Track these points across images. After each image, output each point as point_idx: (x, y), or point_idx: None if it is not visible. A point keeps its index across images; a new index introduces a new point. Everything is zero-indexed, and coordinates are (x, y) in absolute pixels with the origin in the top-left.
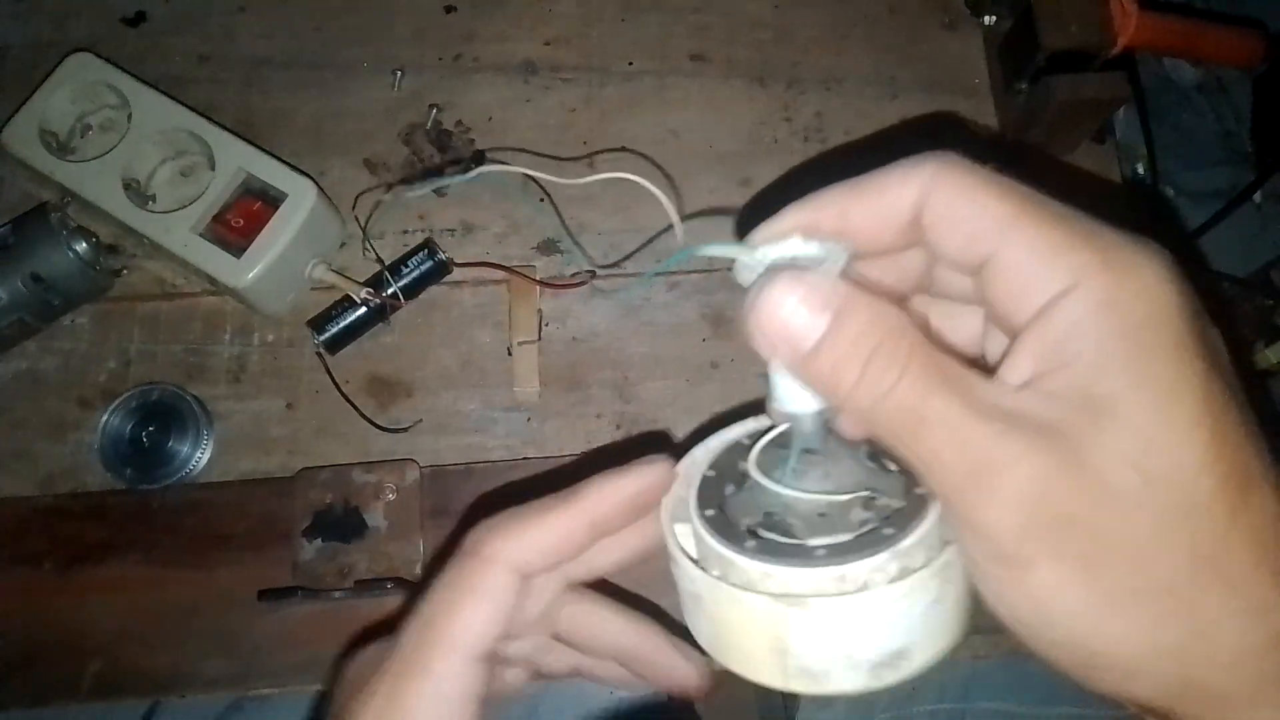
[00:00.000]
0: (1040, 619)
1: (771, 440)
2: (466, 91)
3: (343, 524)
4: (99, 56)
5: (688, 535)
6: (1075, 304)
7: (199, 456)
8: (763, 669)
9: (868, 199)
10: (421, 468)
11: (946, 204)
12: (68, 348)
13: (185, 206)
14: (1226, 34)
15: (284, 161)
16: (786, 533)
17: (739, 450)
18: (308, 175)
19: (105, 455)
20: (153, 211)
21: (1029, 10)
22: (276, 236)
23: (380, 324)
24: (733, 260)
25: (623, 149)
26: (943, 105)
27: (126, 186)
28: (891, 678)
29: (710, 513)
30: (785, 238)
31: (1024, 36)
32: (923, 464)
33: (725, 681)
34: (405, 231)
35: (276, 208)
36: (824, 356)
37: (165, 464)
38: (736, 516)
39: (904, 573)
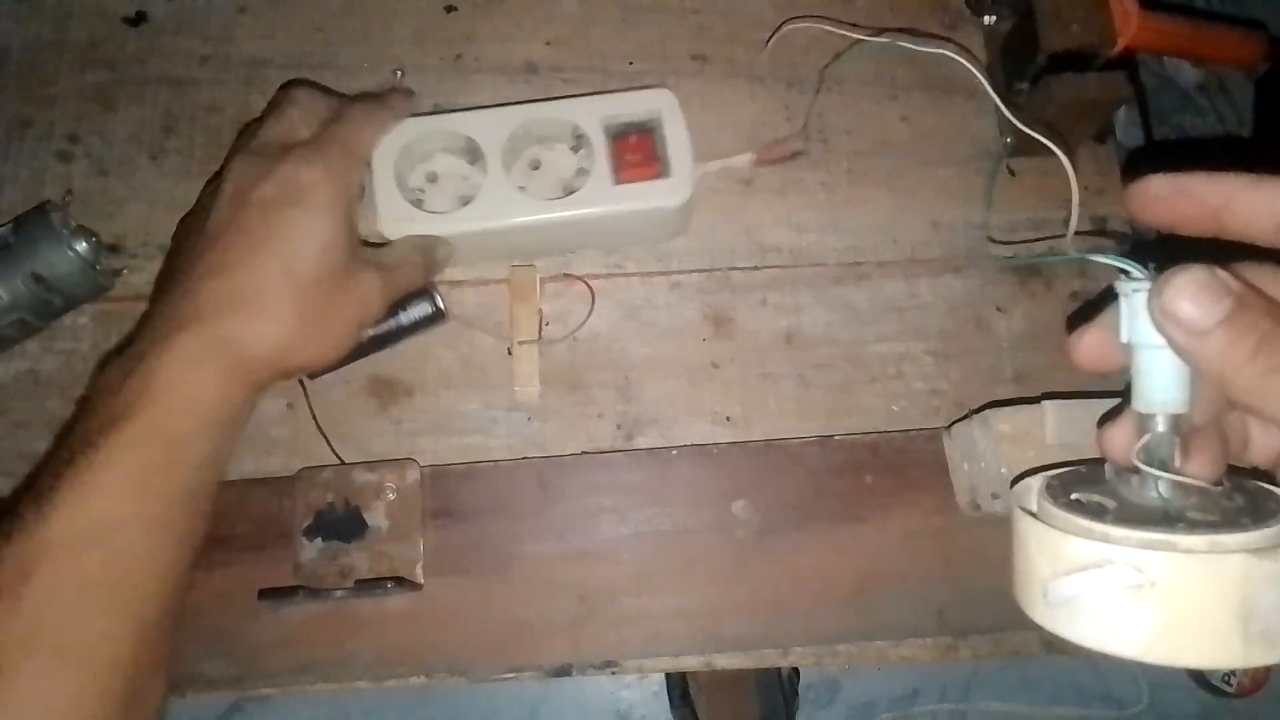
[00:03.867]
0: None
1: (1076, 475)
2: (467, 92)
3: (343, 524)
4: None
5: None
6: None
7: None
8: (1221, 643)
9: (1260, 191)
10: (422, 468)
11: None
12: (69, 348)
13: (578, 178)
14: (1228, 34)
15: (627, 89)
16: (1177, 519)
17: (1061, 481)
18: (662, 88)
19: None
20: (562, 198)
21: (1029, 10)
22: (680, 140)
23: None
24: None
25: None
26: (942, 105)
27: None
28: None
29: (1111, 517)
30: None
31: (1024, 36)
32: None
33: (727, 682)
34: None
35: (651, 130)
36: (1220, 336)
37: None
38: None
39: None
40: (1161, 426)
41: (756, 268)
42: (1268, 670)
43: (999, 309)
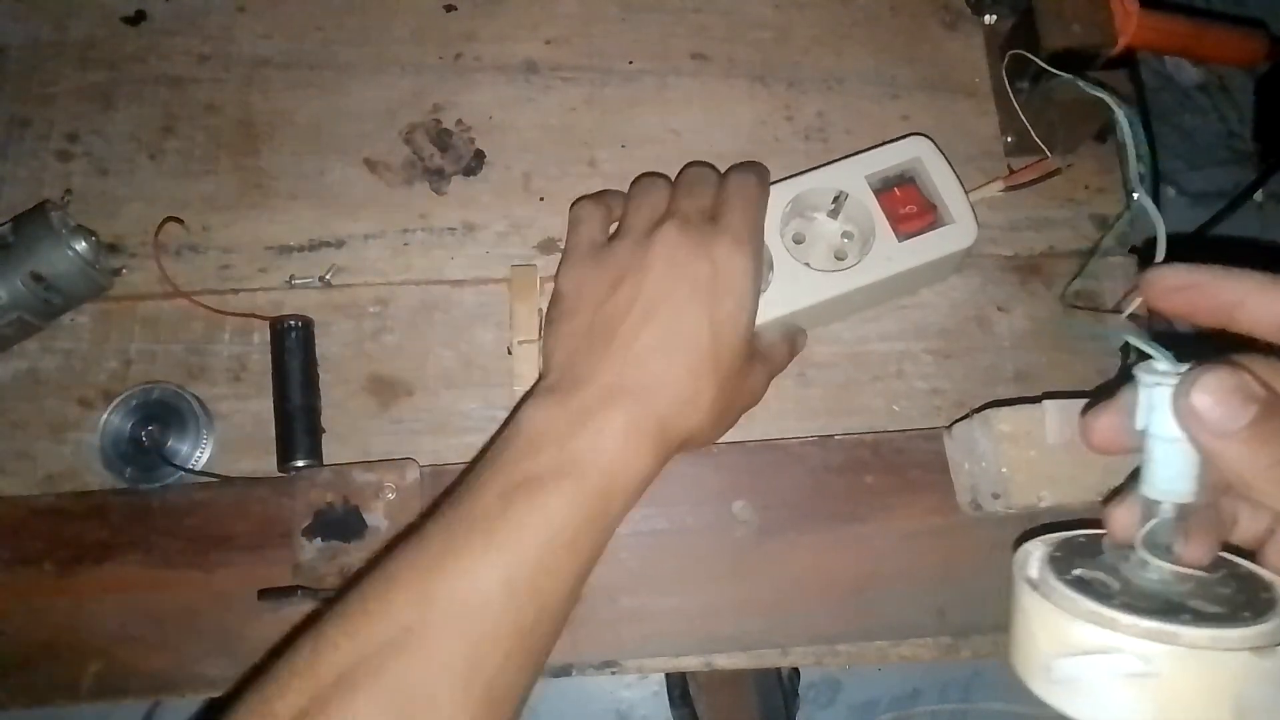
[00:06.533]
0: None
1: (1076, 546)
2: (467, 91)
3: (343, 524)
4: None
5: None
6: None
7: (199, 456)
8: None
9: (1272, 293)
10: (422, 467)
11: None
12: (68, 347)
13: (846, 242)
14: (1228, 34)
15: (879, 145)
16: (1179, 607)
17: (1058, 556)
18: (912, 134)
19: (105, 455)
20: (844, 265)
21: (1030, 9)
22: (949, 182)
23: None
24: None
25: (623, 148)
26: (943, 104)
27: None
28: None
29: (1116, 601)
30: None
31: (1025, 36)
32: None
33: (727, 682)
34: (405, 230)
35: (913, 178)
36: (1244, 439)
37: (165, 463)
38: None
39: None
40: (1168, 513)
41: None
42: None
43: (1000, 308)
